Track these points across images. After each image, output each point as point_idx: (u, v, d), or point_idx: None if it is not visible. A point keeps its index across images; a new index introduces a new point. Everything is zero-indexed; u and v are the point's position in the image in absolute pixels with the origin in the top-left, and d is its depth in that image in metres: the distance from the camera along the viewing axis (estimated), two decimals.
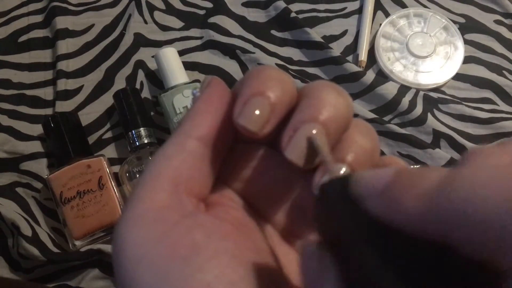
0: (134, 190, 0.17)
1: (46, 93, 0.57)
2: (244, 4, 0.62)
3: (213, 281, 0.14)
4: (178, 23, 0.61)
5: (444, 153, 0.53)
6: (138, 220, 0.15)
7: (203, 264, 0.14)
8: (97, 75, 0.58)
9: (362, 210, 0.11)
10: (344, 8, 0.62)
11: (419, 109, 0.56)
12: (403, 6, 0.62)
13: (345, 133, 0.17)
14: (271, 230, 0.19)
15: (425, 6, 0.62)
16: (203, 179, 0.17)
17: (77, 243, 0.48)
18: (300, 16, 0.61)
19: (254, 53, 0.58)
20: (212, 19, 0.61)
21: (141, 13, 0.61)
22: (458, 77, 0.59)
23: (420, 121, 0.55)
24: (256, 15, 0.62)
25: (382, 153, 0.55)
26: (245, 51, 0.58)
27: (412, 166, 0.47)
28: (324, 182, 0.14)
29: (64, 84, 0.57)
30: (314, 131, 0.16)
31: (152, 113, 0.56)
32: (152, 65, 0.58)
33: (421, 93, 0.57)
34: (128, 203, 0.16)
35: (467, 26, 0.61)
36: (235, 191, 0.19)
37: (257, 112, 0.16)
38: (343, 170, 0.15)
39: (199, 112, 0.17)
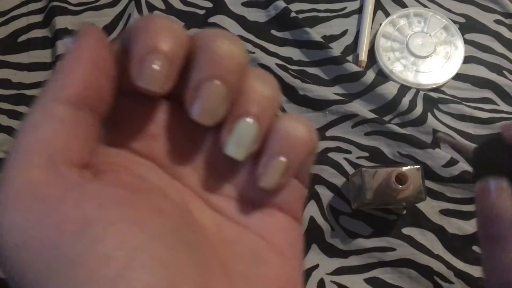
0: (2, 170, 0.14)
1: None
2: (244, 4, 0.62)
3: (112, 250, 0.12)
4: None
5: (444, 153, 0.53)
6: (13, 203, 0.13)
7: (98, 235, 0.13)
8: None
9: None
10: (344, 8, 0.62)
11: (419, 109, 0.56)
12: (403, 6, 0.62)
13: (245, 83, 0.17)
14: (184, 189, 0.18)
15: (425, 6, 0.62)
16: (82, 145, 0.15)
17: None
18: (300, 16, 0.61)
19: (254, 53, 0.58)
20: (212, 19, 0.61)
21: (140, 13, 0.61)
22: (458, 77, 0.59)
23: (420, 121, 0.55)
24: (256, 15, 0.62)
25: (382, 153, 0.55)
26: None
27: (411, 167, 0.47)
28: (476, 147, 0.18)
29: None
30: None
31: None
32: None
33: (421, 93, 0.57)
34: None
35: (467, 26, 0.61)
36: (134, 152, 0.17)
37: (155, 70, 0.15)
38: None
39: (67, 69, 0.15)
